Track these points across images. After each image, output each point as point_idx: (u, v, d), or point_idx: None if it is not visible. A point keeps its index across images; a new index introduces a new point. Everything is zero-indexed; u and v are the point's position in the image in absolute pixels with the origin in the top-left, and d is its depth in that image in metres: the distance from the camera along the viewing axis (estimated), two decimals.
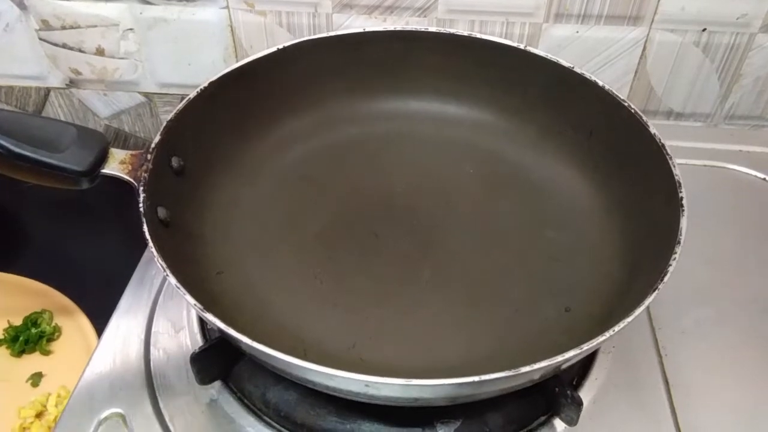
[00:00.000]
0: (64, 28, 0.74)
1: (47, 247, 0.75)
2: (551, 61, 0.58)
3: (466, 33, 0.60)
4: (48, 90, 0.81)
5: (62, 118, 0.83)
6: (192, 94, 0.54)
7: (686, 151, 0.69)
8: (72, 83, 0.80)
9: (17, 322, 0.66)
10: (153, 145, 0.49)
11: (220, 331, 0.39)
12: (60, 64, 0.78)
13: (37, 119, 0.50)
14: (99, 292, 0.61)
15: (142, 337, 0.53)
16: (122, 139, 0.85)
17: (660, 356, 0.53)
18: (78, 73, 0.78)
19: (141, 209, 0.45)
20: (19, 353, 0.65)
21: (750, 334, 0.55)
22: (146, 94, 0.80)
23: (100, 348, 0.52)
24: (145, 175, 0.47)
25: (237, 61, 0.58)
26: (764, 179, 0.67)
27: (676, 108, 0.76)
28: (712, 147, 0.71)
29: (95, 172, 0.47)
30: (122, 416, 0.48)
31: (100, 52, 0.76)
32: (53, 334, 0.66)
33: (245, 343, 0.39)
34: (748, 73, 0.72)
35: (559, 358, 0.38)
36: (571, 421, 0.47)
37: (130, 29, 0.74)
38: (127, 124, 0.84)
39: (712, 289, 0.58)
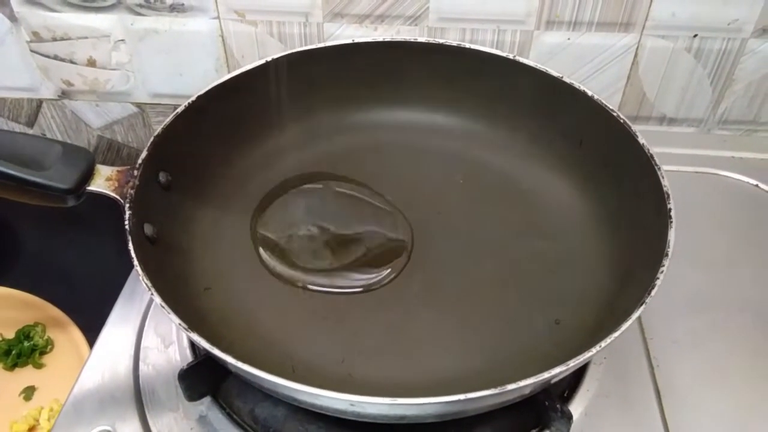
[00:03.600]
0: (55, 39, 0.74)
1: (40, 260, 0.75)
2: (540, 70, 0.57)
3: (455, 43, 0.60)
4: (40, 101, 0.81)
5: (55, 130, 0.84)
6: (180, 108, 0.54)
7: (678, 158, 0.69)
8: (64, 94, 0.80)
9: (10, 335, 0.66)
10: (140, 161, 0.49)
11: (205, 350, 0.39)
12: (52, 76, 0.78)
13: (21, 137, 0.50)
14: (92, 305, 0.61)
15: (132, 352, 0.53)
16: (115, 150, 0.85)
17: (652, 366, 0.53)
18: (70, 84, 0.78)
19: (126, 227, 0.45)
20: (12, 367, 0.65)
21: (743, 343, 0.55)
22: (138, 105, 0.80)
23: (89, 363, 0.52)
24: (132, 191, 0.47)
25: (228, 71, 0.58)
26: (756, 185, 0.67)
27: (669, 113, 0.75)
28: (704, 153, 0.71)
29: (80, 189, 0.47)
30: None
31: (91, 63, 0.76)
32: (46, 348, 0.66)
33: (230, 363, 0.38)
34: (741, 78, 0.72)
35: (546, 375, 0.38)
36: None
37: (122, 40, 0.74)
38: (120, 135, 0.84)
39: (705, 298, 0.58)
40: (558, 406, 0.46)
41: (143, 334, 0.54)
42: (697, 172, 0.69)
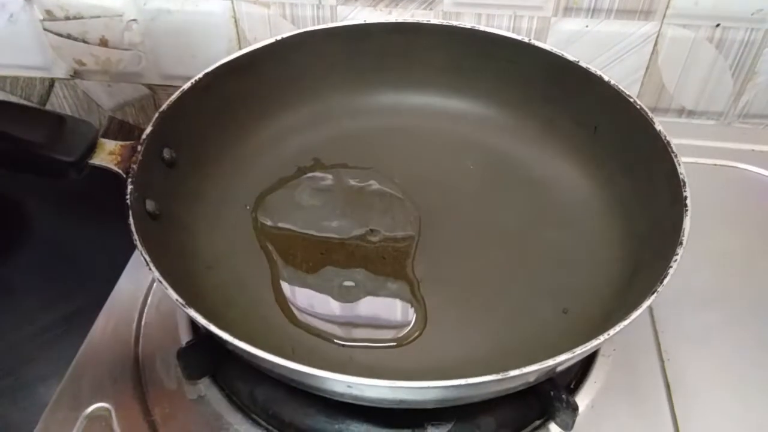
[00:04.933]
0: (68, 18, 0.74)
1: (47, 237, 0.75)
2: (556, 54, 0.56)
3: (468, 26, 0.59)
4: (52, 81, 0.80)
5: (67, 109, 0.83)
6: (186, 85, 0.53)
7: (697, 150, 0.67)
8: (76, 74, 0.79)
9: None
10: (144, 137, 0.48)
11: (203, 327, 0.39)
12: (64, 55, 0.77)
13: (25, 109, 0.49)
14: (97, 282, 0.61)
15: (132, 330, 0.52)
16: (126, 131, 0.85)
17: (662, 360, 0.51)
18: (82, 64, 0.78)
19: (128, 201, 0.44)
20: None
21: (757, 339, 0.53)
22: (150, 86, 0.80)
23: (88, 341, 0.52)
24: (134, 166, 0.46)
25: None
26: None
27: (688, 106, 0.74)
28: (723, 146, 0.69)
29: (83, 162, 0.46)
30: (109, 411, 0.47)
31: (103, 43, 0.76)
32: None
33: (227, 341, 0.38)
34: (763, 70, 0.70)
35: (551, 362, 0.37)
36: (567, 426, 0.46)
37: (134, 20, 0.73)
38: (131, 116, 0.83)
39: (719, 292, 0.56)
40: (564, 396, 0.44)
41: (144, 313, 0.53)
42: (715, 165, 0.67)
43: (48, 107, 0.83)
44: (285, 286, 0.51)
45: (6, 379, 0.60)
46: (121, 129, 0.85)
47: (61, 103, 0.83)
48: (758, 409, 0.49)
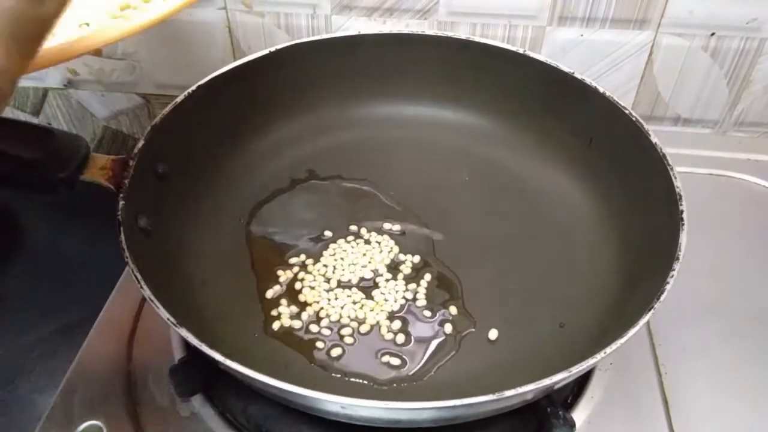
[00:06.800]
0: None
1: (42, 249, 0.74)
2: (550, 66, 0.56)
3: (463, 36, 0.59)
4: (46, 90, 0.80)
5: (60, 119, 0.83)
6: (179, 97, 0.53)
7: (692, 160, 0.67)
8: (70, 84, 0.79)
9: None
10: (135, 151, 0.48)
11: (193, 346, 0.38)
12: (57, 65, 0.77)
13: (15, 124, 0.49)
14: (91, 296, 0.60)
15: (124, 346, 0.52)
16: (120, 141, 0.84)
17: (659, 374, 0.51)
18: (75, 73, 0.77)
19: (118, 218, 0.44)
20: None
21: (755, 352, 0.53)
22: (144, 96, 0.79)
23: (80, 357, 0.51)
24: (126, 182, 0.46)
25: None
26: None
27: (684, 114, 0.74)
28: (719, 155, 0.69)
29: (74, 178, 0.46)
30: (100, 428, 0.47)
31: (97, 52, 0.75)
32: None
33: (218, 360, 0.37)
34: (758, 79, 0.70)
35: (547, 381, 0.37)
36: None
37: None
38: (126, 126, 0.83)
39: (717, 305, 0.56)
40: (560, 412, 0.44)
41: (137, 328, 0.53)
42: (711, 174, 0.67)
43: (41, 117, 0.83)
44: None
45: (1, 391, 0.59)
46: (115, 139, 0.84)
47: (54, 112, 0.82)
48: (757, 423, 0.48)
